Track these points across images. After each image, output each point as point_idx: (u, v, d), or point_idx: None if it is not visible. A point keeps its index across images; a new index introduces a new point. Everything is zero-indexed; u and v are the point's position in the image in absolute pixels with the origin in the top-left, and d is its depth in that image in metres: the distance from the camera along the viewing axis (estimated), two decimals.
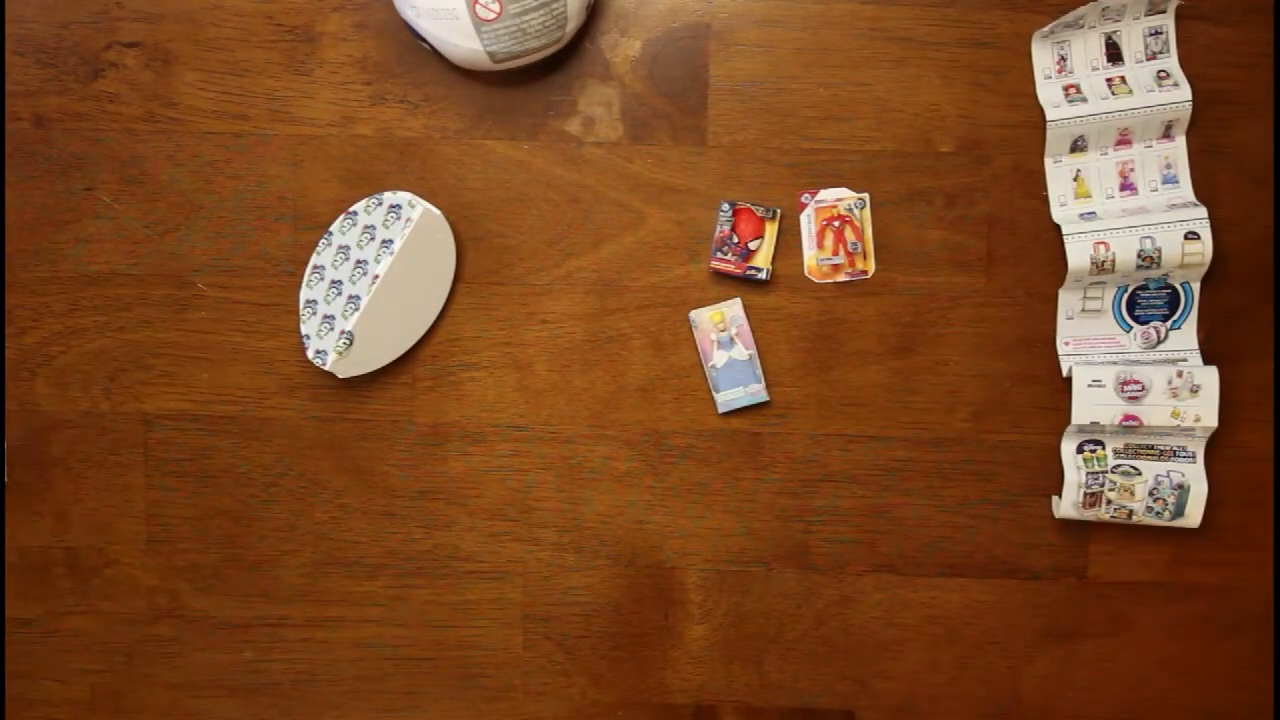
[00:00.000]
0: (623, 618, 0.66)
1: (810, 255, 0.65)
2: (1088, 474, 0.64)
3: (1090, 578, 0.66)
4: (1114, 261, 0.62)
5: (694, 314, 0.65)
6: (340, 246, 0.64)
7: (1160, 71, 0.63)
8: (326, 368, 0.63)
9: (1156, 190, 0.64)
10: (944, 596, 0.66)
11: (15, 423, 0.66)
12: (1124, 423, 0.63)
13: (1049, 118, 0.64)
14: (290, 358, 0.66)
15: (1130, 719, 0.67)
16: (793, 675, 0.67)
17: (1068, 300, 0.65)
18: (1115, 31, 0.64)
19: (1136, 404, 0.63)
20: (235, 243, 0.65)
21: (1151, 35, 0.64)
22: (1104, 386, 0.63)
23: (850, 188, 0.65)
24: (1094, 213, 0.64)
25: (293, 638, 0.67)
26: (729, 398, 0.65)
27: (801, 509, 0.66)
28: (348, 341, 0.63)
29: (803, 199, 0.65)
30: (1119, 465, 0.64)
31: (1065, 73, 0.64)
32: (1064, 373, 0.65)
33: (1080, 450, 0.64)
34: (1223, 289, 0.65)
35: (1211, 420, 0.62)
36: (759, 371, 0.65)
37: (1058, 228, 0.64)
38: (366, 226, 0.64)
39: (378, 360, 0.64)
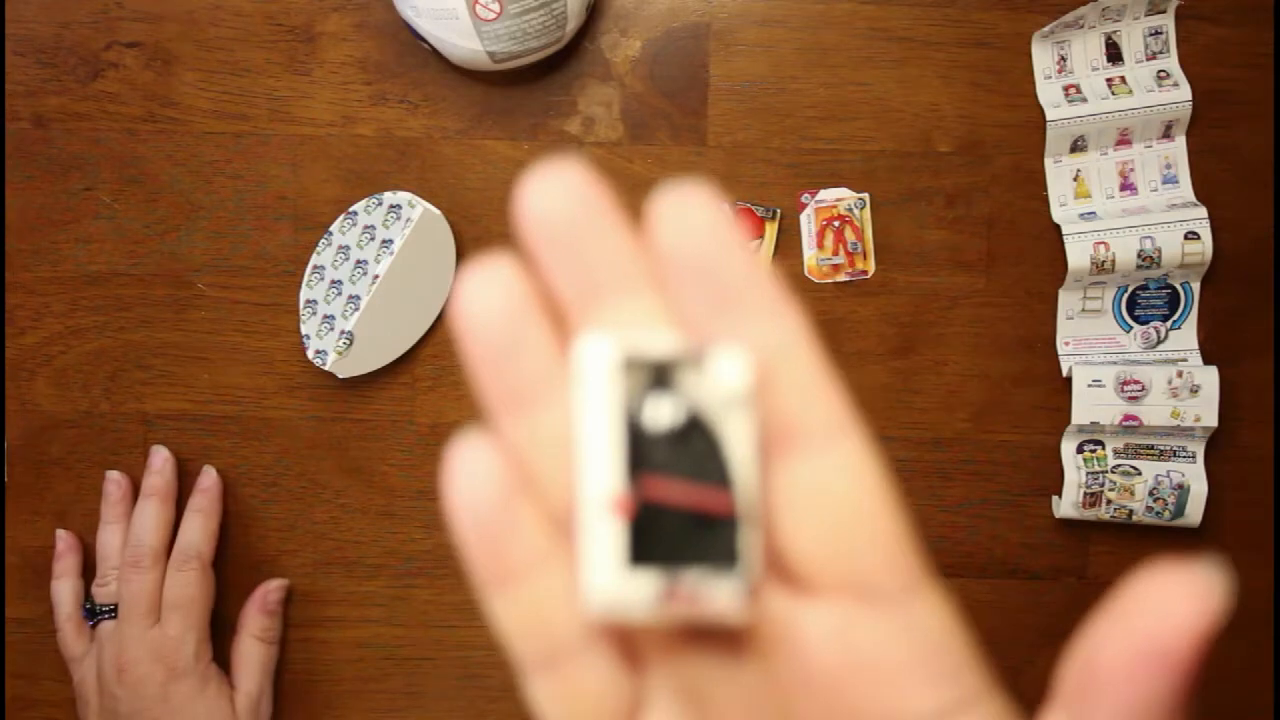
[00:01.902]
0: None
1: (810, 255, 0.65)
2: (1088, 474, 0.64)
3: (1090, 578, 0.66)
4: (1114, 261, 0.62)
5: None
6: (340, 246, 0.64)
7: (1160, 71, 0.63)
8: (326, 368, 0.63)
9: (1156, 190, 0.64)
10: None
11: (15, 423, 0.66)
12: (1124, 423, 0.63)
13: (1049, 118, 0.64)
14: (290, 358, 0.66)
15: None
16: None
17: (1068, 300, 0.65)
18: (1115, 31, 0.64)
19: (1136, 404, 0.63)
20: (235, 243, 0.65)
21: (1151, 35, 0.64)
22: (1104, 386, 0.63)
23: (850, 188, 0.65)
24: (1094, 213, 0.64)
25: (293, 638, 0.67)
26: None
27: None
28: (348, 341, 0.63)
29: (803, 199, 0.65)
30: (1119, 465, 0.64)
31: (1065, 73, 0.64)
32: (1064, 373, 0.65)
33: (1080, 450, 0.64)
34: (1223, 289, 0.65)
35: (1211, 420, 0.62)
36: None
37: (1058, 228, 0.64)
38: (366, 226, 0.64)
39: (378, 360, 0.64)
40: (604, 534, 0.17)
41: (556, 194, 0.18)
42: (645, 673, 0.19)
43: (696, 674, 0.19)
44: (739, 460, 0.18)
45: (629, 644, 0.19)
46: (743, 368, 0.18)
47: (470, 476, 0.18)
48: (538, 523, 0.19)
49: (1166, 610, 0.15)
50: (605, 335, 0.18)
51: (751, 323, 0.18)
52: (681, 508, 0.18)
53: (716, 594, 0.17)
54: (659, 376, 0.18)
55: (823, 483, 0.18)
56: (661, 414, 0.18)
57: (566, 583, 0.19)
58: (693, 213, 0.18)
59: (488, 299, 0.18)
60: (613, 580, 0.17)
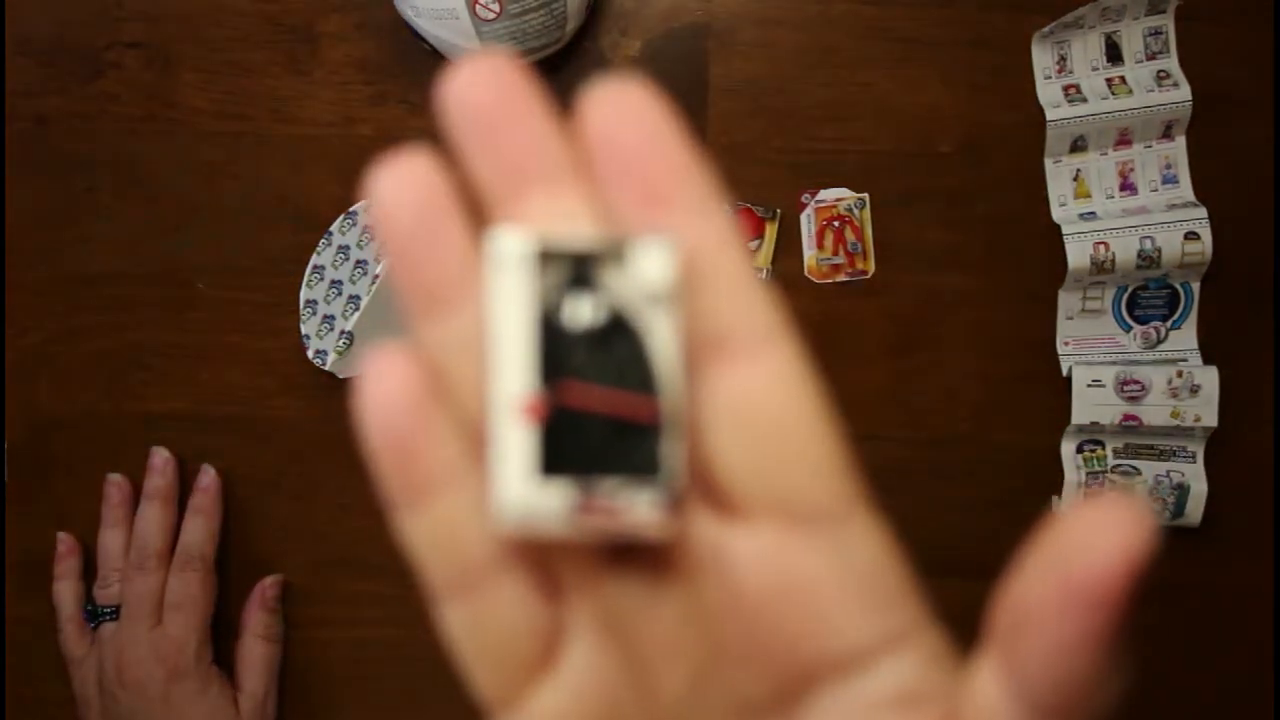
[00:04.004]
0: None
1: (810, 255, 0.65)
2: (1088, 474, 0.64)
3: None
4: (1114, 261, 0.62)
5: None
6: (340, 247, 0.64)
7: (1160, 71, 0.63)
8: (326, 368, 0.63)
9: (1156, 190, 0.64)
10: (944, 596, 0.66)
11: (15, 423, 0.66)
12: (1124, 423, 0.63)
13: (1049, 118, 0.64)
14: (290, 358, 0.66)
15: (1130, 719, 0.67)
16: None
17: (1068, 300, 0.65)
18: (1115, 31, 0.64)
19: (1136, 404, 0.63)
20: (235, 243, 0.65)
21: (1151, 35, 0.64)
22: (1104, 386, 0.63)
23: (850, 188, 0.65)
24: (1094, 213, 0.64)
25: (293, 638, 0.67)
26: None
27: None
28: (348, 342, 0.63)
29: (803, 199, 0.65)
30: (1119, 465, 0.64)
31: (1065, 73, 0.64)
32: (1064, 373, 0.65)
33: (1080, 450, 0.65)
34: (1223, 289, 0.65)
35: (1211, 420, 0.62)
36: None
37: (1058, 228, 0.64)
38: (367, 227, 0.64)
39: None
40: (514, 441, 0.16)
41: (481, 82, 0.17)
42: (564, 602, 0.18)
43: (619, 602, 0.18)
44: (663, 363, 0.16)
45: (546, 570, 0.18)
46: (667, 261, 0.16)
47: (381, 385, 0.17)
48: (452, 435, 0.18)
49: (1093, 545, 0.14)
50: (519, 227, 0.17)
51: (680, 219, 0.17)
52: (601, 414, 0.16)
53: (635, 505, 0.16)
54: (579, 274, 0.17)
55: (751, 397, 0.17)
56: (581, 313, 0.17)
57: (480, 499, 0.17)
58: (625, 104, 0.17)
59: (401, 191, 0.17)
60: (522, 490, 0.16)
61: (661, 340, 0.16)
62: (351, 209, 0.64)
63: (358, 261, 0.63)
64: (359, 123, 0.65)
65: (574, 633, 0.18)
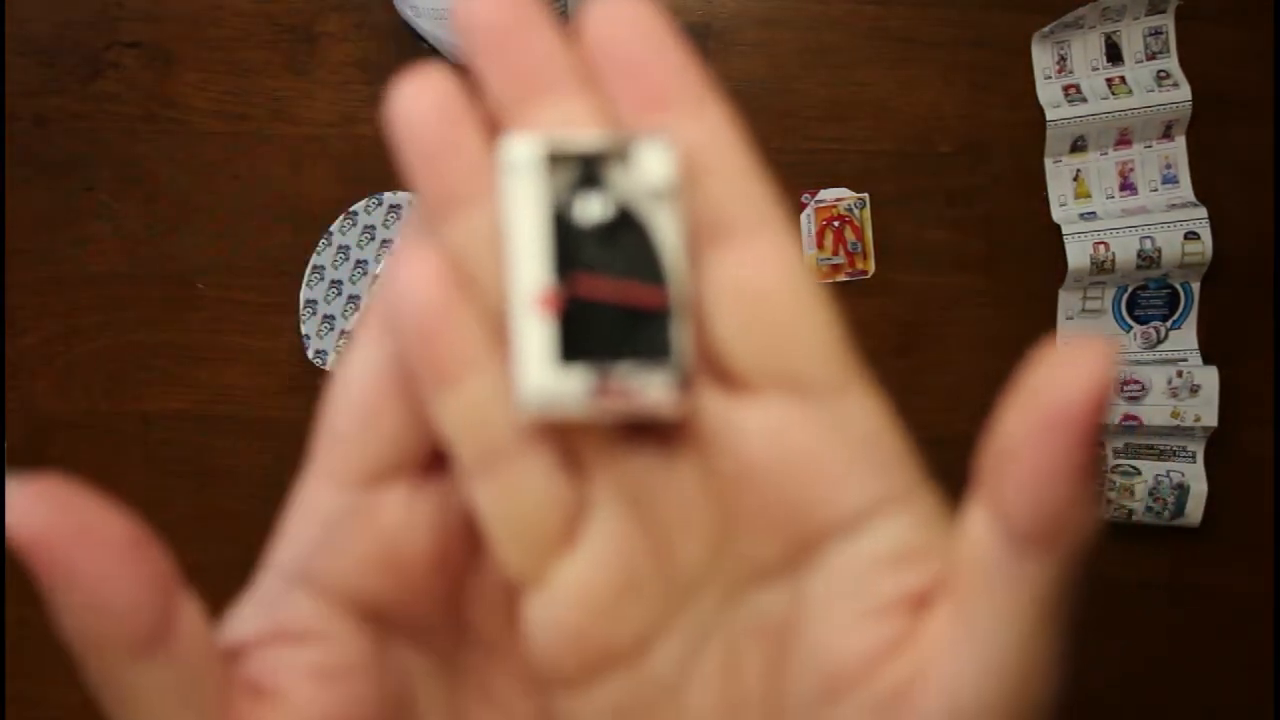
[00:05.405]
0: None
1: (810, 255, 0.65)
2: None
3: (1091, 578, 0.66)
4: (1114, 261, 0.62)
5: None
6: (340, 246, 0.64)
7: (1160, 71, 0.63)
8: (327, 368, 0.63)
9: (1156, 190, 0.64)
10: None
11: (15, 423, 0.66)
12: (1124, 422, 0.63)
13: (1049, 118, 0.64)
14: (290, 358, 0.66)
15: (1130, 717, 0.67)
16: None
17: (1068, 300, 0.65)
18: (1115, 31, 0.64)
19: (1136, 404, 0.63)
20: (235, 243, 0.65)
21: (1151, 35, 0.64)
22: None
23: (850, 188, 0.65)
24: (1094, 213, 0.64)
25: None
26: None
27: None
28: (347, 342, 0.63)
29: (803, 199, 0.65)
30: (1119, 465, 0.64)
31: (1065, 73, 0.64)
32: None
33: None
34: (1223, 289, 0.65)
35: (1211, 420, 0.62)
36: None
37: (1058, 228, 0.64)
38: (366, 227, 0.64)
39: None
40: (533, 331, 0.17)
41: (493, 1, 0.19)
42: (586, 478, 0.20)
43: (637, 477, 0.19)
44: (668, 253, 0.18)
45: (568, 448, 0.19)
46: (667, 159, 0.18)
47: (412, 274, 0.18)
48: (476, 322, 0.19)
49: (1065, 380, 0.16)
50: (530, 133, 0.18)
51: (679, 119, 0.19)
52: (612, 303, 0.18)
53: (649, 387, 0.18)
54: (588, 174, 0.18)
55: (749, 277, 0.19)
56: (590, 210, 0.18)
57: (503, 383, 0.19)
58: (623, 14, 0.18)
59: (420, 101, 0.19)
60: (543, 377, 0.17)
61: (666, 232, 0.18)
62: (351, 209, 0.64)
63: (358, 261, 0.63)
64: (359, 123, 0.65)
65: (595, 507, 0.20)
